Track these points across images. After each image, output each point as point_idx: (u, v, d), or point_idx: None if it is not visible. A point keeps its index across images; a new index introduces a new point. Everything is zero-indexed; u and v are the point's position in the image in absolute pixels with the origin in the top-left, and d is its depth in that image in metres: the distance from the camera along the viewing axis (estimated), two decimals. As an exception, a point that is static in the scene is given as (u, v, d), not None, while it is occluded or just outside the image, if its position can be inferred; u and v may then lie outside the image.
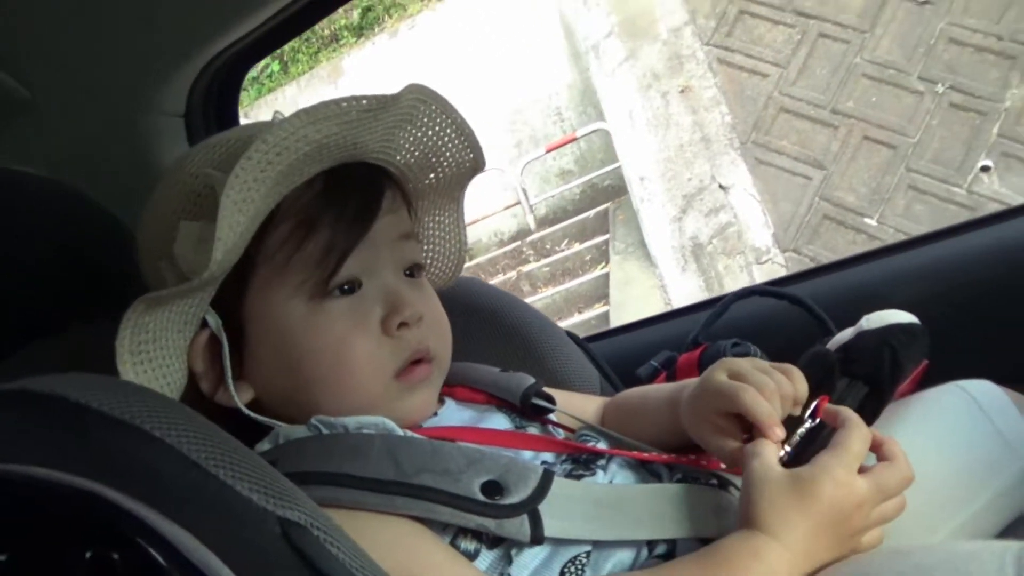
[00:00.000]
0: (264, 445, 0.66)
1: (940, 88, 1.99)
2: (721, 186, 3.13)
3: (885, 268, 1.15)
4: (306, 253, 0.65)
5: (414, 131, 0.70)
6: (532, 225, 6.08)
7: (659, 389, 0.85)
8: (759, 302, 1.13)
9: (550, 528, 0.59)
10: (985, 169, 1.89)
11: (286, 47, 6.86)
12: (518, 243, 6.00)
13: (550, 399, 0.78)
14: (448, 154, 0.73)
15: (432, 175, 0.75)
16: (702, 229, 3.55)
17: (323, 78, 6.77)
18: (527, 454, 0.69)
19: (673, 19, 2.36)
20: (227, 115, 1.22)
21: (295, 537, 0.48)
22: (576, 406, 0.84)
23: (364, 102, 0.63)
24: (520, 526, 0.58)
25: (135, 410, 0.51)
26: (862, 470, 0.59)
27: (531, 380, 0.78)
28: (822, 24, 2.14)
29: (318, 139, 0.62)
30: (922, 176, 1.99)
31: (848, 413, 0.62)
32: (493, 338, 1.04)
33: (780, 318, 1.06)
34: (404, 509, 0.59)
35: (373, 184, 0.70)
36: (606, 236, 5.37)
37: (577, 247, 5.59)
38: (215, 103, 1.19)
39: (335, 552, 0.49)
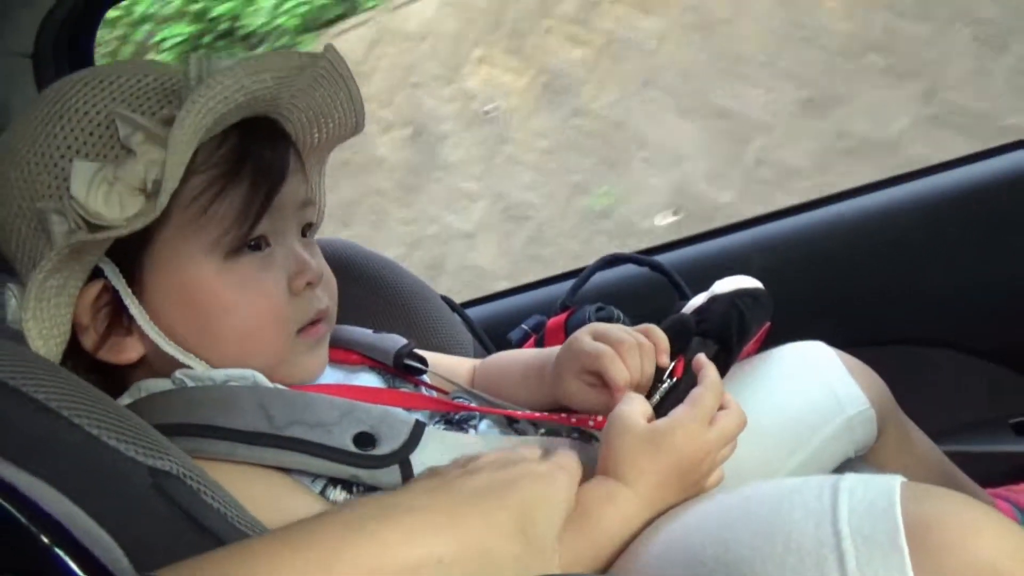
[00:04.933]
0: (124, 399, 0.64)
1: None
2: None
3: (740, 240, 1.23)
4: (224, 206, 0.63)
5: (320, 91, 0.69)
6: None
7: (526, 353, 0.87)
8: (623, 270, 1.19)
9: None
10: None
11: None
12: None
13: (423, 360, 0.79)
14: (336, 115, 0.72)
15: (316, 133, 0.74)
16: None
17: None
18: (400, 411, 0.70)
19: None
20: (80, 57, 1.14)
21: (168, 487, 0.46)
22: (448, 367, 0.85)
23: (296, 59, 0.63)
24: (392, 475, 0.60)
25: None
26: None
27: (404, 341, 0.78)
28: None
29: (255, 90, 0.60)
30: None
31: (709, 370, 0.66)
32: (368, 302, 1.03)
33: (642, 284, 1.11)
34: (275, 461, 0.59)
35: (282, 138, 0.69)
36: None
37: None
38: (67, 43, 1.11)
39: (211, 502, 0.48)
